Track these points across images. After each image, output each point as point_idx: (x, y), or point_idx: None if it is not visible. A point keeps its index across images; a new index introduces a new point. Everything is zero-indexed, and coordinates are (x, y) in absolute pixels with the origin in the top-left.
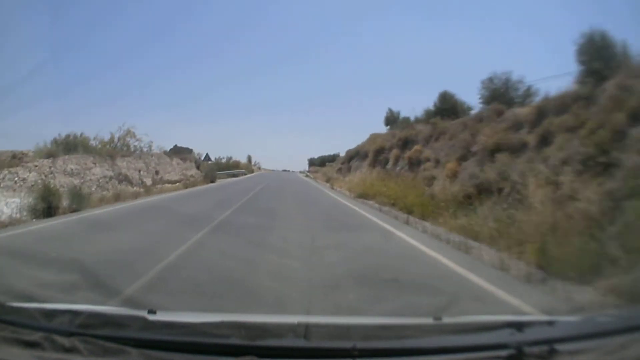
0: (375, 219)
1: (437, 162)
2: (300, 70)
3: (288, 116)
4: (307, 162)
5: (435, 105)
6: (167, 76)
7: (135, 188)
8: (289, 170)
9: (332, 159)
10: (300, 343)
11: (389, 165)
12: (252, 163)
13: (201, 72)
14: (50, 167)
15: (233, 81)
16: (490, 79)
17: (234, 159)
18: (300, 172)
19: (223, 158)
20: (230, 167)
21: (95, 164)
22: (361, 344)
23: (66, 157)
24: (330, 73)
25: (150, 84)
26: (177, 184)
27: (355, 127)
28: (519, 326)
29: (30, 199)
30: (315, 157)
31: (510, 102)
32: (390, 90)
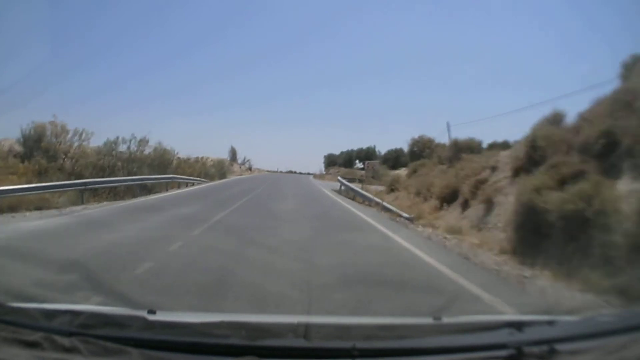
0: None
1: None
2: (306, 58)
3: (294, 109)
4: (323, 161)
5: None
6: (153, 70)
7: None
8: (295, 172)
9: (367, 155)
10: (300, 343)
11: None
12: (241, 161)
13: (192, 64)
14: None
15: (227, 74)
16: None
17: (161, 146)
18: (314, 175)
19: (140, 147)
20: (156, 169)
21: None
22: (361, 344)
23: None
24: (340, 64)
25: (136, 78)
26: None
27: (382, 117)
28: (518, 326)
29: None
30: (337, 153)
31: None
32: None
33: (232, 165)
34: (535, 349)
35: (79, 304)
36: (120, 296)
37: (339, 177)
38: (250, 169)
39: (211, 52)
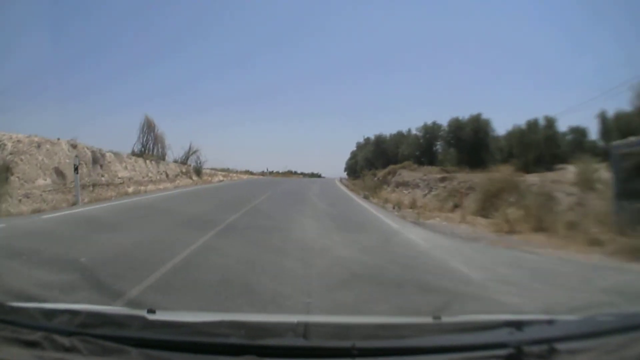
0: None
1: None
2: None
3: (299, 103)
4: (349, 157)
5: None
6: (146, 68)
7: None
8: (295, 172)
9: (476, 129)
10: (300, 342)
11: None
12: (182, 156)
13: (183, 61)
14: None
15: (224, 69)
16: None
17: None
18: (340, 179)
19: None
20: None
21: None
22: (360, 343)
23: None
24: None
25: (127, 76)
26: None
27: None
28: (518, 325)
29: None
30: (372, 135)
31: None
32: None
33: (120, 162)
34: (535, 348)
35: (79, 304)
36: None
37: None
38: (198, 173)
39: (201, 47)
